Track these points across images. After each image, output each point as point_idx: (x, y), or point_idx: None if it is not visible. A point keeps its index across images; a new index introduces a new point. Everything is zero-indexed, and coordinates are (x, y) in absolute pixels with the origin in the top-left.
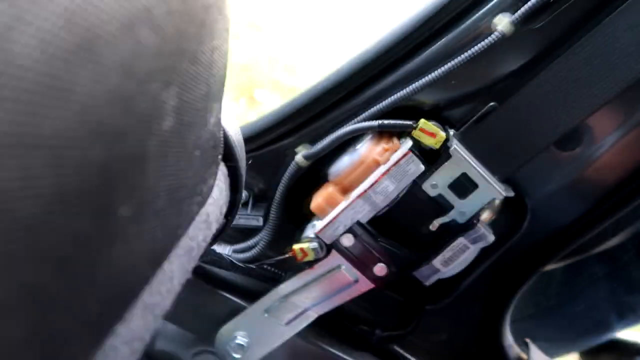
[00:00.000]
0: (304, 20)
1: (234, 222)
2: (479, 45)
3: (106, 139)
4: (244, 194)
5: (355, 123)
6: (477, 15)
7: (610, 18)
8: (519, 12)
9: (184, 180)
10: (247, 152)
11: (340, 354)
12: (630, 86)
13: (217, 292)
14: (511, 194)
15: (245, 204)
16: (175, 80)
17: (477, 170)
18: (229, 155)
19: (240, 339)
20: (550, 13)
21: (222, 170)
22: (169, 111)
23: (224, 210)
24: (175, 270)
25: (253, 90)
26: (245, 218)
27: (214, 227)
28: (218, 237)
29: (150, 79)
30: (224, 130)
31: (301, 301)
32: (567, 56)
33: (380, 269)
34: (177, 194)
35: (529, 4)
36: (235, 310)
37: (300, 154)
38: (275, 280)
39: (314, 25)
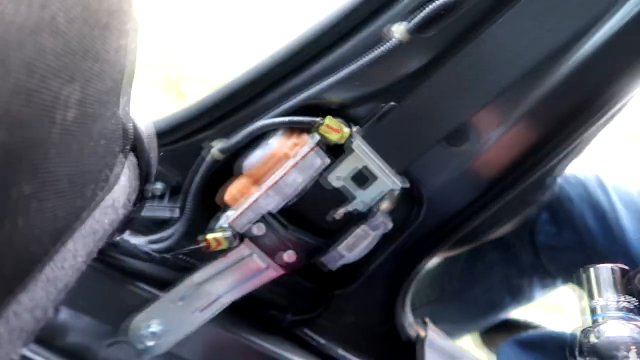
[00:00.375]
0: (232, 13)
1: (150, 214)
2: (379, 50)
3: (10, 125)
4: (161, 185)
5: (267, 119)
6: (378, 22)
7: (490, 30)
8: (414, 21)
9: (87, 166)
10: (163, 145)
11: (252, 338)
12: (507, 89)
13: (131, 283)
14: (407, 185)
15: (162, 196)
16: (79, 77)
17: (376, 163)
18: (137, 145)
19: (154, 327)
20: (441, 23)
21: (130, 160)
22: (71, 104)
23: (133, 198)
24: (79, 249)
25: (180, 84)
26: (162, 209)
27: (121, 213)
28: (128, 223)
29: (53, 76)
30: (133, 122)
31: (214, 288)
32: (454, 62)
33: (289, 256)
34: (80, 178)
35: (423, 14)
36: (150, 300)
37: (216, 148)
38: (190, 270)
39: (242, 20)
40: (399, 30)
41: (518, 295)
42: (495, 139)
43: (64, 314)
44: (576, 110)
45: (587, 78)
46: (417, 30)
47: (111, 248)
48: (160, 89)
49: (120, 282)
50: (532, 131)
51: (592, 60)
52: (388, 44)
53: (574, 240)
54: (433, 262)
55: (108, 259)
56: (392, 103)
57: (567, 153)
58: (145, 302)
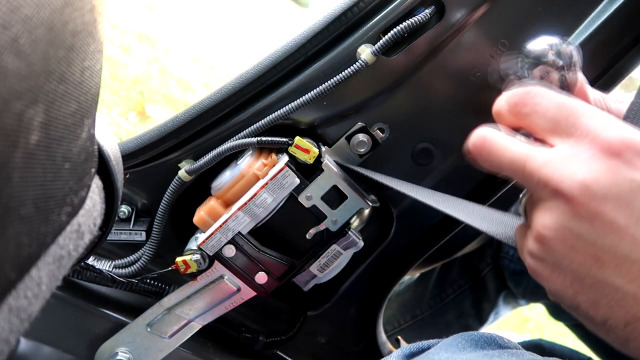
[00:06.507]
0: (197, 33)
1: (116, 238)
2: (346, 71)
3: None
4: (127, 209)
5: (236, 140)
6: (345, 44)
7: (442, 53)
8: (378, 43)
9: (52, 191)
10: (130, 167)
11: None
12: (462, 109)
13: (97, 310)
14: (377, 203)
15: (128, 219)
16: (42, 99)
17: (345, 183)
18: (103, 168)
19: (122, 355)
20: (404, 46)
21: (96, 183)
22: (35, 127)
23: (99, 221)
24: (43, 277)
25: (144, 105)
26: (127, 233)
27: (87, 238)
28: (94, 248)
29: (16, 98)
30: (98, 144)
31: (185, 313)
32: (413, 83)
33: (261, 277)
34: (44, 203)
35: (386, 37)
36: (117, 327)
37: (184, 169)
38: (159, 295)
39: (207, 40)
40: (364, 52)
41: (485, 317)
42: (459, 157)
43: (24, 346)
44: None
45: None
46: (381, 52)
47: (75, 274)
48: (125, 110)
49: (84, 309)
50: None
51: None
52: (354, 65)
53: None
54: (400, 287)
55: (71, 286)
56: (360, 123)
57: None
58: (111, 329)
